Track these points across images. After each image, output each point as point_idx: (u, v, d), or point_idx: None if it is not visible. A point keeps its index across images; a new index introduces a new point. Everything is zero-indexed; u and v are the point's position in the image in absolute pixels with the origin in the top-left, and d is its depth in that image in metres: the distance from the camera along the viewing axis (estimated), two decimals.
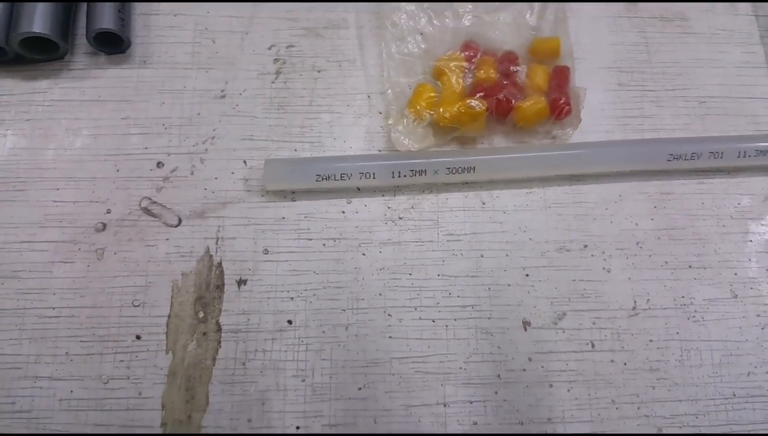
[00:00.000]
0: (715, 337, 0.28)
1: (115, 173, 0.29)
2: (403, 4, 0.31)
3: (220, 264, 0.28)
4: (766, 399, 0.27)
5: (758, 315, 0.29)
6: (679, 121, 0.31)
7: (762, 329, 0.28)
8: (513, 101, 0.29)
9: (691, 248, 0.29)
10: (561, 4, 0.32)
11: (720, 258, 0.29)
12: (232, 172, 0.29)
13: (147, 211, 0.29)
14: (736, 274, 0.29)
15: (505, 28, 0.31)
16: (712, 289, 0.29)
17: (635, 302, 0.28)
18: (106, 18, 0.29)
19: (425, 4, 0.31)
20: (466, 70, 0.30)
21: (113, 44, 0.30)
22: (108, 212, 0.29)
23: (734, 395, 0.27)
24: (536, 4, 0.31)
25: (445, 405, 0.27)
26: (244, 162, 0.29)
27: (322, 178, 0.28)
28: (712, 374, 0.28)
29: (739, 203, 0.30)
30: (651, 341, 0.28)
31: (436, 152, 0.29)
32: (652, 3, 0.33)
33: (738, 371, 0.28)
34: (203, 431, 0.26)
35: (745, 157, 0.29)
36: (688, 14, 0.33)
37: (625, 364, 0.28)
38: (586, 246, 0.29)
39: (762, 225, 0.30)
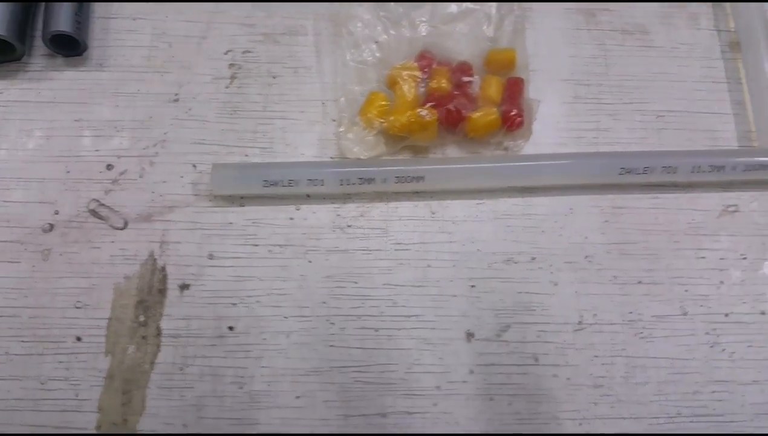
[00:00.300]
0: (663, 354, 0.28)
1: (65, 175, 0.29)
2: (360, 12, 0.31)
3: (163, 268, 0.28)
4: (711, 419, 0.27)
5: (707, 333, 0.28)
6: (635, 135, 0.31)
7: (711, 347, 0.28)
8: (463, 112, 0.29)
9: (642, 264, 0.29)
10: (520, 16, 0.32)
11: (671, 274, 0.29)
12: (181, 176, 0.29)
13: (94, 213, 0.29)
14: (687, 290, 0.29)
15: (462, 39, 0.31)
16: (661, 305, 0.28)
17: (581, 316, 0.28)
18: (62, 20, 0.30)
19: (381, 13, 0.31)
20: (420, 80, 0.30)
21: (70, 47, 0.31)
22: (56, 213, 0.29)
23: (679, 414, 0.27)
24: (494, 15, 0.31)
25: (383, 415, 0.26)
26: (194, 166, 0.29)
27: (270, 184, 0.28)
28: (658, 392, 0.27)
29: (692, 219, 0.30)
30: (596, 356, 0.28)
31: (386, 161, 0.29)
32: (613, 16, 0.33)
33: (684, 390, 0.27)
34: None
35: (699, 172, 0.29)
36: (649, 27, 0.33)
37: (569, 379, 0.27)
38: (534, 258, 0.29)
39: (715, 241, 0.30)
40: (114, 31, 0.32)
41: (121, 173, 0.29)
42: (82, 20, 0.30)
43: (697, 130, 0.32)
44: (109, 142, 0.30)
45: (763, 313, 0.29)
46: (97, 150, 0.30)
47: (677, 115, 0.32)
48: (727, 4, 0.34)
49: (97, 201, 0.29)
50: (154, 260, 0.28)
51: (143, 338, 0.27)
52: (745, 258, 0.30)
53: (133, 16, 0.32)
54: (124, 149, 0.30)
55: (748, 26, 0.33)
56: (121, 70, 0.31)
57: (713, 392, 0.28)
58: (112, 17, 0.32)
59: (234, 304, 0.27)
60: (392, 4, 0.31)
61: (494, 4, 0.31)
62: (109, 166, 0.29)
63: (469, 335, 0.28)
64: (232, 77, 0.31)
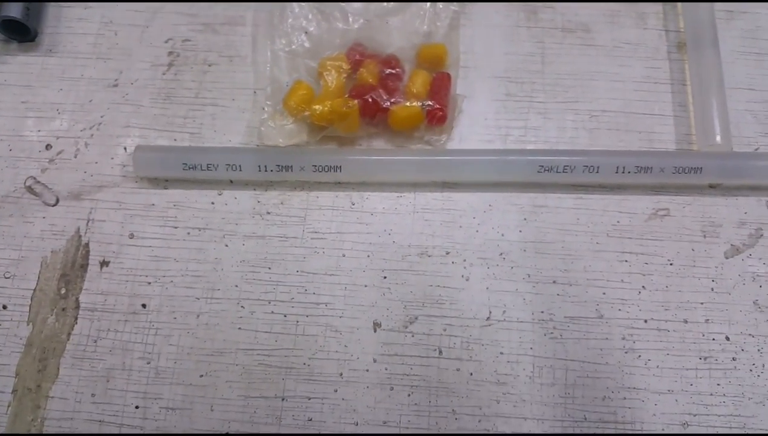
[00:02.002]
0: (573, 356, 0.27)
1: (7, 153, 0.31)
2: (294, 4, 0.31)
3: (87, 245, 0.29)
4: (618, 427, 0.26)
5: (623, 338, 0.28)
6: (565, 134, 0.31)
7: (625, 353, 0.27)
8: (382, 103, 0.29)
9: (559, 263, 0.28)
10: (456, 12, 0.32)
11: (589, 276, 0.28)
12: (112, 158, 0.30)
13: (30, 189, 0.30)
14: (604, 294, 0.28)
15: (396, 33, 0.31)
16: (575, 307, 0.28)
17: (490, 312, 0.28)
18: (13, 7, 0.31)
19: (315, 5, 0.31)
20: (346, 71, 0.30)
21: (22, 33, 0.32)
22: None
23: (585, 418, 0.27)
24: (428, 11, 0.31)
25: (282, 399, 0.27)
26: (125, 148, 0.31)
27: (190, 168, 0.28)
28: (564, 394, 0.27)
29: (618, 221, 0.29)
30: (502, 353, 0.27)
31: (305, 149, 0.29)
32: (555, 14, 0.32)
33: (593, 394, 0.27)
34: (49, 401, 0.27)
35: (624, 173, 0.28)
36: (592, 26, 0.33)
37: (471, 374, 0.27)
38: (448, 253, 0.29)
39: (640, 245, 0.29)
40: (66, 18, 0.33)
41: (58, 153, 0.31)
42: (31, 7, 0.32)
43: (633, 131, 0.31)
44: (50, 123, 0.31)
45: (685, 321, 0.28)
46: (39, 130, 0.31)
47: (612, 116, 0.31)
48: (679, 4, 0.33)
49: (34, 178, 0.30)
50: (80, 236, 0.29)
51: (63, 309, 0.28)
52: (671, 264, 0.29)
53: (85, 5, 0.34)
54: (63, 130, 0.31)
55: (696, 25, 0.32)
56: (69, 56, 0.33)
57: (624, 398, 0.27)
58: (65, 5, 0.34)
59: (149, 283, 0.28)
60: None
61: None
62: (48, 146, 0.31)
63: (376, 325, 0.28)
64: (170, 64, 0.32)
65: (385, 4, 0.31)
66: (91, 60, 0.32)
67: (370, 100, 0.29)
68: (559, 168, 0.28)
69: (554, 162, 0.28)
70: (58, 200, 0.30)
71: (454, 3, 0.32)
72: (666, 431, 0.26)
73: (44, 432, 0.26)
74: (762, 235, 0.29)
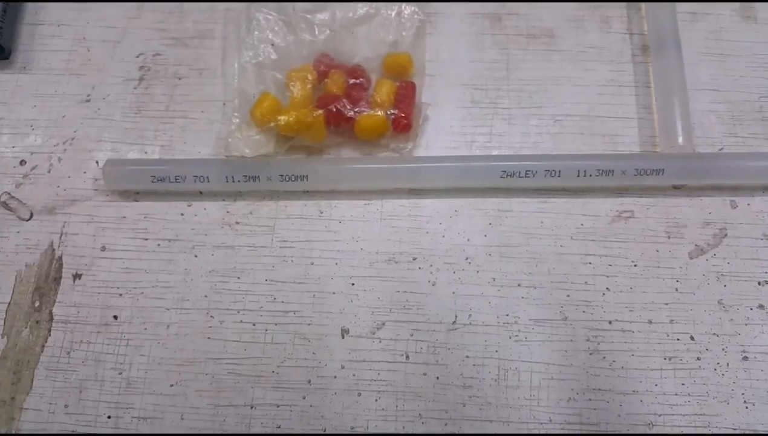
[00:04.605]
0: (538, 359, 0.28)
1: None
2: (261, 15, 0.32)
3: (60, 258, 0.30)
4: (583, 428, 0.27)
5: (588, 340, 0.28)
6: (529, 139, 0.31)
7: (590, 354, 0.28)
8: (347, 113, 0.29)
9: (523, 267, 0.29)
10: (422, 21, 0.32)
11: (553, 279, 0.29)
12: (84, 172, 0.31)
13: (5, 205, 0.31)
14: (569, 296, 0.29)
15: (362, 44, 0.32)
16: (540, 309, 0.28)
17: (456, 316, 0.28)
18: None
19: (280, 17, 0.32)
20: (312, 82, 0.30)
21: None
22: None
23: (550, 420, 0.27)
24: (393, 20, 0.32)
25: (252, 407, 0.27)
26: (97, 162, 0.31)
27: (158, 180, 0.29)
28: (529, 396, 0.27)
29: (581, 224, 0.30)
30: (467, 356, 0.28)
31: (272, 159, 0.30)
32: (520, 20, 0.33)
33: (558, 396, 0.27)
34: (23, 412, 0.27)
35: (585, 176, 0.29)
36: (556, 31, 0.33)
37: (438, 378, 0.27)
38: (415, 259, 0.29)
39: (604, 247, 0.29)
40: (40, 36, 0.34)
41: (32, 168, 0.31)
42: (4, 26, 0.32)
43: (597, 134, 0.31)
44: (25, 139, 0.32)
45: (650, 322, 0.28)
46: (13, 146, 0.32)
47: (576, 120, 0.31)
48: (642, 6, 0.33)
49: (9, 194, 0.31)
50: (53, 250, 0.30)
51: (37, 322, 0.29)
52: (635, 265, 0.29)
53: (58, 22, 0.34)
54: (37, 146, 0.32)
55: (659, 28, 0.32)
56: (43, 72, 0.33)
57: (589, 400, 0.27)
58: (39, 23, 0.34)
59: (120, 294, 0.29)
60: (291, 9, 0.32)
61: (395, 9, 0.32)
62: (22, 162, 0.31)
63: (344, 332, 0.28)
64: (141, 79, 0.33)
65: (350, 14, 0.32)
66: (65, 76, 0.33)
67: (334, 109, 0.29)
68: (521, 173, 0.28)
69: (516, 167, 0.28)
70: (32, 215, 0.30)
71: (420, 12, 0.32)
72: (631, 432, 0.27)
73: None
74: (726, 234, 0.30)
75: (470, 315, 0.28)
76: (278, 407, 0.27)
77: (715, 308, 0.28)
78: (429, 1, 0.33)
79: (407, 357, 0.28)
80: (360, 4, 0.32)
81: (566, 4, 0.34)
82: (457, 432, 0.27)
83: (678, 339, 0.28)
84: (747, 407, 0.27)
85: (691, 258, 0.29)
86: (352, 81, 0.30)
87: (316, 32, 0.32)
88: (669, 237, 0.29)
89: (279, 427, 0.27)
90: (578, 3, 0.34)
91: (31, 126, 0.32)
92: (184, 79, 0.33)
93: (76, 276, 0.29)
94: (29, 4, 0.34)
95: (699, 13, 0.34)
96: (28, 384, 0.28)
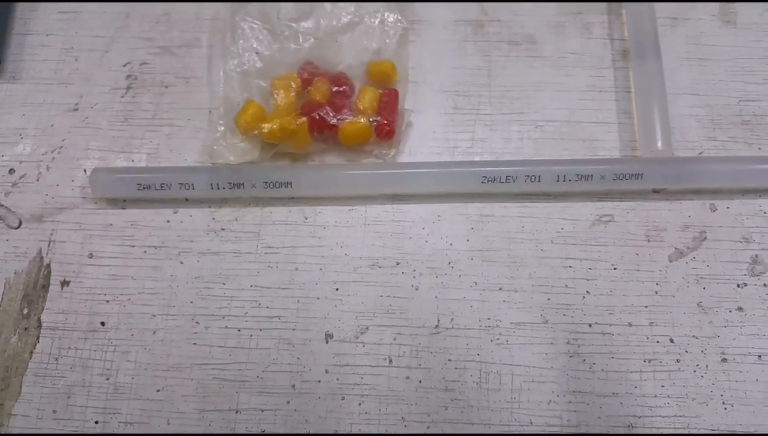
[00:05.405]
0: (519, 361, 0.28)
1: None
2: (246, 24, 0.32)
3: (48, 265, 0.30)
4: (564, 429, 0.27)
5: (568, 343, 0.28)
6: (511, 145, 0.31)
7: (570, 357, 0.28)
8: (330, 120, 0.30)
9: (504, 271, 0.29)
10: (405, 29, 0.33)
11: (534, 282, 0.29)
12: (72, 180, 0.31)
13: None
14: (549, 299, 0.29)
15: (345, 51, 0.32)
16: (521, 312, 0.29)
17: (439, 320, 0.29)
18: None
19: (265, 25, 0.32)
20: (296, 89, 0.31)
21: None
22: None
23: (531, 422, 0.27)
24: (376, 28, 0.32)
25: (237, 411, 0.27)
26: (84, 171, 0.32)
27: (144, 188, 0.29)
28: (511, 399, 0.28)
29: (562, 229, 0.30)
30: (450, 360, 0.28)
31: (257, 166, 0.30)
32: (502, 27, 0.33)
33: (538, 399, 0.28)
34: (11, 418, 0.27)
35: (565, 181, 0.29)
36: (538, 38, 0.34)
37: (420, 382, 0.28)
38: (398, 263, 0.30)
39: (584, 251, 0.30)
40: (29, 46, 0.34)
41: (21, 177, 0.32)
42: None
43: (577, 139, 0.32)
44: (14, 148, 0.32)
45: (630, 324, 0.29)
46: (2, 155, 0.32)
47: (557, 125, 0.32)
48: (623, 11, 0.34)
49: None
50: (42, 257, 0.30)
51: (25, 329, 0.29)
52: (615, 269, 0.29)
53: (47, 32, 0.35)
54: (25, 155, 0.32)
55: (639, 33, 0.32)
56: (31, 82, 0.34)
57: (569, 402, 0.27)
58: (29, 33, 0.35)
59: (107, 301, 0.29)
60: (276, 18, 0.32)
61: (378, 17, 0.32)
62: (11, 171, 0.32)
63: (328, 336, 0.29)
64: (128, 87, 0.33)
65: (334, 22, 0.32)
66: (53, 85, 0.33)
67: (317, 117, 0.29)
68: (501, 178, 0.29)
69: (497, 172, 0.29)
70: (21, 223, 0.31)
71: (403, 19, 0.33)
72: (611, 433, 0.27)
73: None
74: (705, 237, 0.30)
75: (452, 319, 0.29)
76: (263, 411, 0.27)
77: (694, 311, 0.29)
78: (411, 1, 0.34)
79: (390, 361, 0.28)
80: (344, 13, 0.33)
81: (548, 11, 0.34)
82: (439, 434, 0.27)
83: (658, 341, 0.28)
84: (726, 408, 0.27)
85: (671, 261, 0.30)
86: (335, 88, 0.30)
87: (301, 40, 0.32)
88: (649, 241, 0.30)
89: (264, 431, 0.27)
90: (560, 10, 0.34)
91: (20, 135, 0.32)
92: (171, 88, 0.33)
93: (64, 283, 0.30)
94: (18, 15, 0.35)
95: (679, 18, 0.34)
96: (16, 390, 0.28)
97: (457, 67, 0.33)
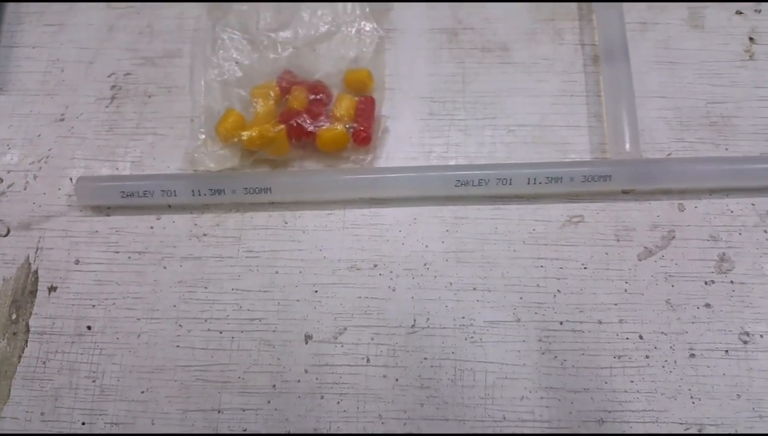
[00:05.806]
0: (492, 359, 0.29)
1: None
2: (226, 35, 0.33)
3: (36, 272, 0.31)
4: (536, 425, 0.28)
5: (540, 340, 0.29)
6: (484, 149, 0.32)
7: (542, 354, 0.29)
8: (308, 127, 0.31)
9: (478, 271, 0.30)
10: (381, 37, 0.34)
11: (507, 282, 0.30)
12: (59, 189, 0.32)
13: None
14: (521, 298, 0.30)
15: (323, 60, 0.33)
16: (494, 311, 0.30)
17: (415, 320, 0.29)
18: None
19: (244, 35, 0.33)
20: (274, 98, 0.32)
21: None
22: None
23: (504, 418, 0.28)
24: (353, 37, 0.33)
25: (219, 411, 0.28)
26: (70, 179, 0.32)
27: (127, 195, 0.30)
28: (484, 395, 0.28)
29: (533, 229, 0.31)
30: (425, 358, 0.29)
31: (237, 173, 0.31)
32: (475, 35, 0.34)
33: (511, 395, 0.28)
34: (0, 421, 0.28)
35: (536, 184, 0.30)
36: (510, 45, 0.34)
37: (397, 380, 0.29)
38: (376, 266, 0.30)
39: (555, 251, 0.31)
40: (15, 58, 0.35)
41: (9, 186, 0.33)
42: None
43: (548, 143, 0.33)
44: (1, 158, 0.33)
45: (600, 322, 0.29)
46: None
47: (528, 129, 0.33)
48: (594, 18, 0.35)
49: None
50: (29, 264, 0.31)
51: (14, 334, 0.30)
52: (585, 268, 0.30)
53: (34, 45, 0.36)
54: (13, 165, 0.33)
55: (608, 38, 0.33)
56: (18, 93, 0.35)
57: (541, 398, 0.28)
58: (15, 46, 0.36)
59: (93, 306, 0.30)
60: (255, 28, 0.33)
61: (355, 26, 0.33)
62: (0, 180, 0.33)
63: (308, 337, 0.29)
64: (113, 97, 0.34)
65: (312, 32, 0.33)
66: (39, 96, 0.34)
67: (295, 124, 0.30)
68: (474, 182, 0.30)
69: (470, 176, 0.30)
70: (9, 231, 0.32)
71: (379, 28, 0.34)
72: (581, 429, 0.28)
73: None
74: (674, 236, 0.31)
75: (428, 319, 0.29)
76: (244, 411, 0.28)
77: (663, 308, 0.30)
78: (387, 0, 0.35)
79: (368, 360, 0.29)
80: (322, 23, 0.34)
81: (520, 18, 0.35)
82: (415, 432, 0.28)
83: (627, 338, 0.29)
84: (693, 402, 0.28)
85: (640, 260, 0.31)
86: (313, 96, 0.31)
87: (279, 50, 0.33)
88: (618, 240, 0.31)
89: (245, 430, 0.28)
90: (532, 17, 0.35)
91: (8, 145, 0.33)
92: (154, 97, 0.34)
93: (52, 289, 0.30)
94: (4, 29, 0.36)
95: (649, 23, 0.35)
96: (5, 394, 0.29)
97: (433, 74, 0.34)
